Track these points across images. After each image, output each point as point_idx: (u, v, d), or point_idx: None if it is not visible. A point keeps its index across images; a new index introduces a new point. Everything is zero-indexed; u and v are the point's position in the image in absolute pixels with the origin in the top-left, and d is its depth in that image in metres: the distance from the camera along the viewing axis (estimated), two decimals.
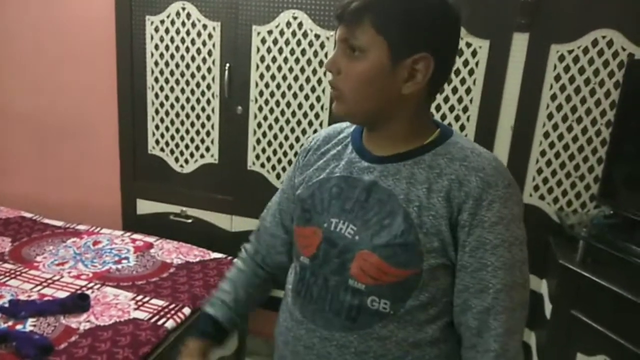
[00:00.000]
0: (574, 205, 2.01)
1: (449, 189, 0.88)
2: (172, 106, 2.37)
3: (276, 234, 1.15)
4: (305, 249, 1.00)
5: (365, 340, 0.93)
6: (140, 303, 1.89)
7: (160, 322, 1.78)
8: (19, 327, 1.70)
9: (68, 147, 2.71)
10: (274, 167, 2.30)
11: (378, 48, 0.86)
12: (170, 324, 1.79)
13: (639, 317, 1.61)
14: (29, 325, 1.72)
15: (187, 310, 1.88)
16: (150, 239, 2.39)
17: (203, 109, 2.33)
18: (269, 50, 2.17)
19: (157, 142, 2.43)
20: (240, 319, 1.19)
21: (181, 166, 2.44)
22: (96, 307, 1.84)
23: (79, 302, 1.84)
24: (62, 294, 1.91)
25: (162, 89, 2.36)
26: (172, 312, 1.85)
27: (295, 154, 2.25)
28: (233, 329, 1.18)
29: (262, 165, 2.31)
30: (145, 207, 2.53)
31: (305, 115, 2.20)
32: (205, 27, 2.23)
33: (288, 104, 2.20)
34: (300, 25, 2.11)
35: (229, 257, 2.28)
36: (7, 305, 1.80)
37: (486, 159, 0.91)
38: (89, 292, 1.93)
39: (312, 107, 2.18)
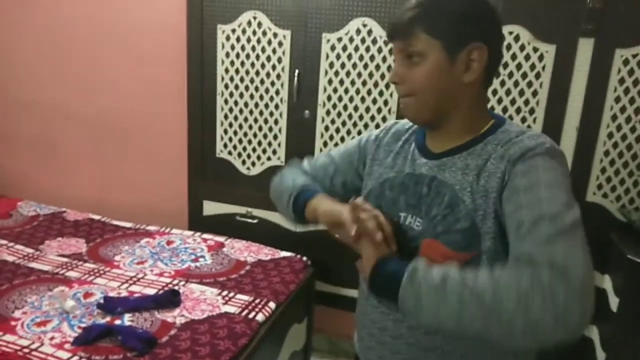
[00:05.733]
0: (636, 202, 2.10)
1: (492, 167, 0.94)
2: (240, 111, 2.47)
3: (324, 180, 1.25)
4: None
5: None
6: (227, 298, 1.98)
7: (251, 316, 1.87)
8: (117, 322, 1.80)
9: (134, 149, 2.81)
10: None
11: (434, 50, 0.95)
12: (260, 317, 1.88)
13: None
14: (127, 320, 1.81)
15: (272, 305, 1.97)
16: (220, 239, 2.49)
17: (271, 114, 2.43)
18: (337, 57, 2.27)
19: (225, 145, 2.53)
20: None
21: (248, 169, 2.53)
22: (186, 302, 1.94)
23: (171, 298, 1.93)
24: (150, 291, 2.01)
25: (231, 94, 2.46)
26: (260, 306, 1.94)
27: None
28: None
29: None
30: (211, 208, 2.62)
31: (372, 118, 2.30)
32: (275, 35, 2.33)
33: (356, 108, 2.30)
34: (369, 32, 2.21)
35: (298, 256, 2.37)
36: (102, 301, 1.90)
37: (530, 136, 0.95)
38: (175, 288, 2.03)
39: (379, 110, 2.28)
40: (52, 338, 1.68)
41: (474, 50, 0.96)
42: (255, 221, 2.57)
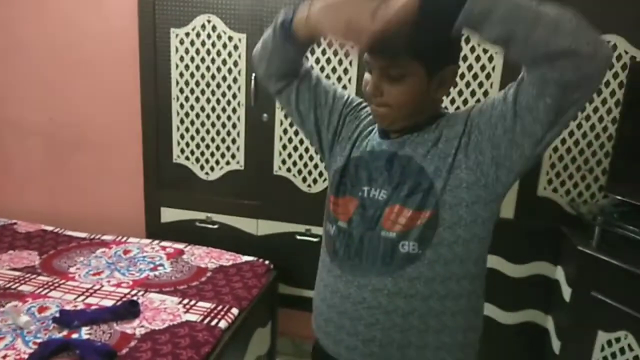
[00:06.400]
0: (584, 196, 2.19)
1: (445, 133, 1.09)
2: (197, 116, 2.43)
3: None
4: (342, 215, 1.17)
5: (397, 282, 1.08)
6: (188, 306, 1.95)
7: (213, 323, 1.85)
8: (74, 336, 1.74)
9: (87, 157, 2.73)
10: (300, 171, 2.39)
11: (415, 72, 1.04)
12: (223, 324, 1.86)
13: None
14: (84, 334, 1.76)
15: (235, 311, 1.96)
16: (179, 246, 2.45)
17: (229, 118, 2.40)
18: None
19: (182, 151, 2.49)
20: None
21: (207, 173, 2.50)
22: (146, 312, 1.90)
23: (130, 309, 1.89)
24: (107, 302, 1.96)
25: (187, 99, 2.42)
26: (222, 313, 1.92)
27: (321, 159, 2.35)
28: None
29: (289, 170, 2.40)
30: (169, 215, 2.58)
31: None
32: (231, 39, 2.31)
33: None
34: None
35: (260, 260, 2.36)
36: (58, 315, 1.84)
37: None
38: (134, 298, 1.98)
39: None
40: (5, 356, 1.61)
41: (449, 71, 1.07)
42: (215, 226, 2.54)
